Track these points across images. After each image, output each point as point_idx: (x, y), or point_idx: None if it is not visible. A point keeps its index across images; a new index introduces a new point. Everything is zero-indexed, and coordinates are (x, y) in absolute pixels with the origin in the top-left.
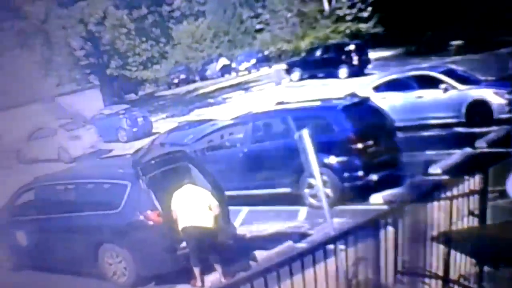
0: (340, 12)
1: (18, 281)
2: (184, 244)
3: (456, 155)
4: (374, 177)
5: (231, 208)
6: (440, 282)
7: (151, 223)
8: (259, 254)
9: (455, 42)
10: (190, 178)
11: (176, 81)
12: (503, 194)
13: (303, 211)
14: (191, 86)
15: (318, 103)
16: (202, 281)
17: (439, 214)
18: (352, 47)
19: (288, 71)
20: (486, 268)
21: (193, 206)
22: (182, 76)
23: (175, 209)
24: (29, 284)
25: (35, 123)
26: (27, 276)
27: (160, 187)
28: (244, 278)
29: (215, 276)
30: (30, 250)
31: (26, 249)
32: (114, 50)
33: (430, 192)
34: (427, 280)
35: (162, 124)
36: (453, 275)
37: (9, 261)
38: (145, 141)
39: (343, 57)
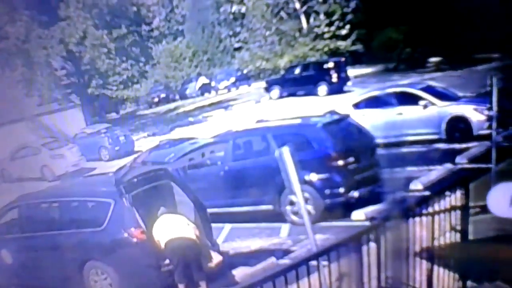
0: (318, 30)
1: None
2: (168, 261)
3: (437, 171)
4: (355, 193)
5: (214, 225)
6: None
7: (135, 240)
8: (243, 270)
9: (434, 59)
10: (169, 202)
11: (156, 100)
12: (484, 209)
13: (285, 228)
14: (171, 105)
15: (298, 120)
16: None
17: (421, 230)
18: (331, 64)
19: (268, 89)
20: (469, 283)
21: (174, 224)
22: (163, 95)
23: (158, 238)
24: None
25: (18, 142)
26: None
27: (143, 204)
28: None
29: None
30: (15, 268)
31: (11, 267)
32: (95, 69)
33: (411, 208)
34: None
35: (144, 142)
36: None
37: None
38: (127, 160)
39: (322, 74)
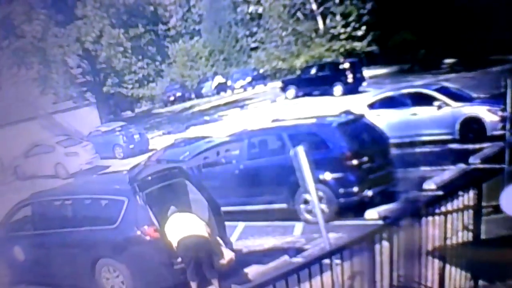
0: (334, 31)
1: None
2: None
3: (450, 171)
4: (369, 193)
5: (227, 223)
6: None
7: (148, 238)
8: (256, 268)
9: (448, 60)
10: (183, 200)
11: (172, 98)
12: (497, 209)
13: (298, 226)
14: (187, 104)
15: (313, 120)
16: None
17: (433, 229)
18: (346, 65)
19: (283, 89)
20: (481, 282)
21: (185, 222)
22: (178, 94)
23: (170, 238)
24: None
25: (33, 140)
26: None
27: (157, 203)
28: None
29: None
30: (28, 265)
31: (23, 264)
32: (111, 68)
33: (424, 207)
34: None
35: (159, 141)
36: None
37: (7, 276)
38: (142, 158)
39: (338, 75)
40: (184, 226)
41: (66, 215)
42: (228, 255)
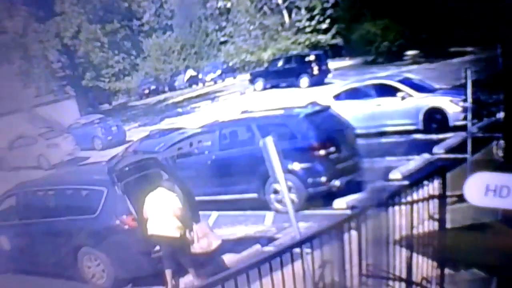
0: (299, 25)
1: (1, 285)
2: (158, 247)
3: (415, 161)
4: (337, 182)
5: (201, 212)
6: (403, 284)
7: (126, 227)
8: (229, 257)
9: (411, 52)
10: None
11: (146, 91)
12: (461, 198)
13: (269, 215)
14: (161, 97)
15: (281, 111)
16: (173, 283)
17: (400, 219)
18: (312, 57)
19: (252, 81)
20: (447, 271)
21: (161, 214)
22: (153, 87)
23: (146, 209)
24: (12, 287)
25: (16, 132)
26: (10, 279)
27: (134, 192)
28: (216, 281)
29: (189, 279)
30: (13, 254)
31: (9, 253)
32: (89, 62)
33: (391, 197)
34: (390, 282)
35: (135, 132)
36: (415, 278)
37: None
38: (119, 149)
39: (304, 67)
40: (158, 220)
41: (49, 205)
42: (216, 242)
